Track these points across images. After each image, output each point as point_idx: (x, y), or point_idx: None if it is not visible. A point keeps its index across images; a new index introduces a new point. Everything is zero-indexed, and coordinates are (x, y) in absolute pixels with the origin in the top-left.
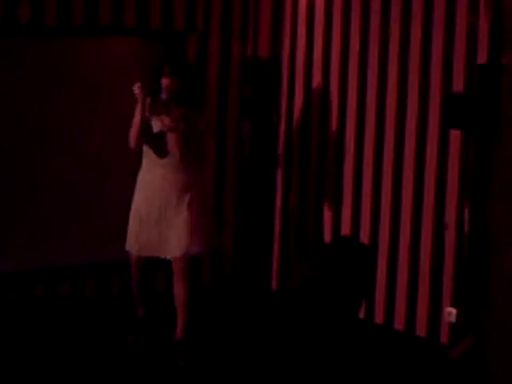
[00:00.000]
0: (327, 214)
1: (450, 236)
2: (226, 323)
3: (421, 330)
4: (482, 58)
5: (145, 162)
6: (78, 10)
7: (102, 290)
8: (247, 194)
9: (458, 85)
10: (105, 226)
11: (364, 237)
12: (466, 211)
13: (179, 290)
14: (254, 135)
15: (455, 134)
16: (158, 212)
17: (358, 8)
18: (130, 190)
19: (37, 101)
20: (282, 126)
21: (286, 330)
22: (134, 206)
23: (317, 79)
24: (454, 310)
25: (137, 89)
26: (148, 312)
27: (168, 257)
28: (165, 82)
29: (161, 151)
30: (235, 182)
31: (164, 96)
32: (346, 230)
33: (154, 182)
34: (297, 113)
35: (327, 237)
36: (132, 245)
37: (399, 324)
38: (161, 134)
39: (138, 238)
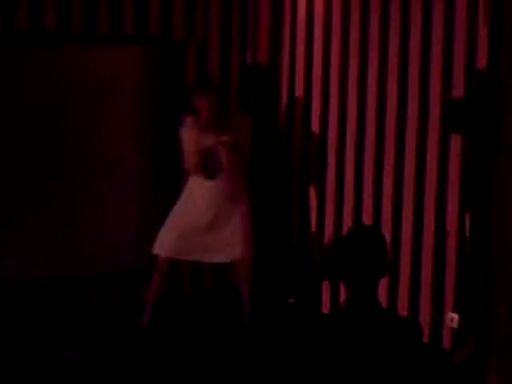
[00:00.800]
0: (329, 219)
1: (451, 241)
2: (229, 331)
3: (423, 336)
4: (481, 63)
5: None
6: (77, 17)
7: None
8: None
9: (458, 90)
10: (111, 238)
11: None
12: (468, 217)
13: (245, 286)
14: (254, 142)
15: (455, 140)
16: (209, 219)
17: (357, 15)
18: (135, 199)
19: (36, 108)
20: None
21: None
22: (179, 212)
23: (316, 86)
24: (456, 316)
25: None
26: (151, 321)
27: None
28: (204, 101)
29: (210, 167)
30: None
31: (206, 115)
32: (345, 233)
33: (204, 190)
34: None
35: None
36: (168, 249)
37: None
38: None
39: (178, 243)
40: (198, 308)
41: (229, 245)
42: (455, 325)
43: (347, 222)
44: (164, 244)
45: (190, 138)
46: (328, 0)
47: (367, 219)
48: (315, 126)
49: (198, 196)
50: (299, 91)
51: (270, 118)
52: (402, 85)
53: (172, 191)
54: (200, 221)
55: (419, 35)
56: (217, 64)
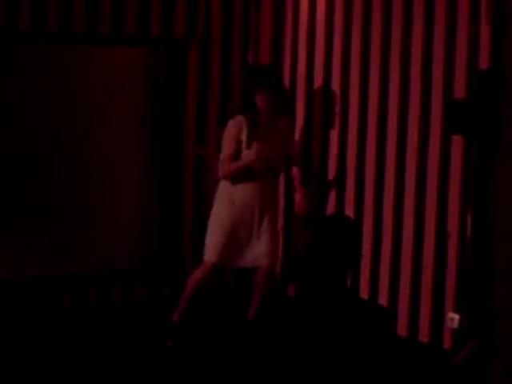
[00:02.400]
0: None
1: (452, 242)
2: (228, 330)
3: (423, 336)
4: (483, 63)
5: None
6: (79, 17)
7: (102, 299)
8: None
9: (460, 91)
10: (111, 236)
11: (366, 242)
12: (469, 217)
13: (262, 286)
14: None
15: (457, 140)
16: (249, 225)
17: (360, 15)
18: (135, 197)
19: (38, 108)
20: None
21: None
22: (222, 218)
23: (318, 86)
24: (456, 316)
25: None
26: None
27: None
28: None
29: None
30: None
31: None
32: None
33: (246, 196)
34: (299, 119)
35: None
36: (216, 255)
37: (402, 330)
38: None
39: (224, 249)
40: (198, 307)
41: (259, 251)
42: (456, 325)
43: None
44: (212, 249)
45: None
46: (330, 0)
47: (368, 218)
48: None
49: (242, 199)
50: (301, 90)
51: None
52: (404, 85)
53: (172, 190)
54: (246, 226)
55: (421, 35)
56: (218, 64)
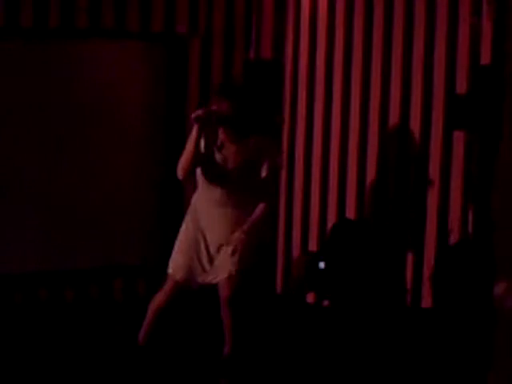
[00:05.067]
0: (331, 217)
1: (454, 238)
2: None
3: None
4: (485, 59)
5: (201, 188)
6: (82, 13)
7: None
8: None
9: (462, 86)
10: (113, 232)
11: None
12: (471, 213)
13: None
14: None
15: (459, 136)
16: (209, 244)
17: (361, 10)
18: (137, 194)
19: (39, 104)
20: (286, 128)
21: (291, 333)
22: (185, 232)
23: (320, 81)
24: None
25: (195, 115)
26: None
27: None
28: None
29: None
30: None
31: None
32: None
33: (209, 213)
34: (300, 114)
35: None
36: (178, 269)
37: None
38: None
39: (186, 262)
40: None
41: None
42: None
43: (350, 216)
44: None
45: (190, 138)
46: None
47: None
48: (318, 121)
49: (204, 215)
50: (302, 85)
51: (274, 113)
52: (406, 80)
53: (174, 186)
54: (203, 244)
55: (423, 30)
56: (220, 60)
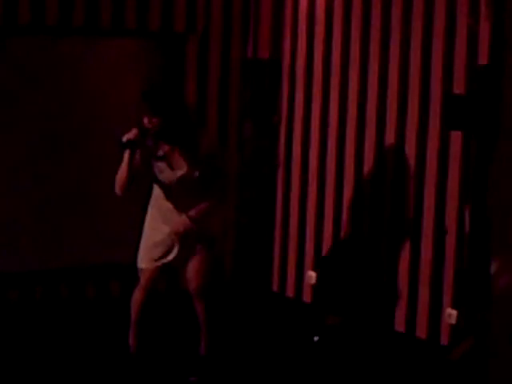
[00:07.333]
0: (328, 217)
1: (450, 238)
2: (226, 324)
3: (421, 332)
4: (482, 59)
5: (155, 194)
6: (79, 10)
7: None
8: (248, 195)
9: (459, 86)
10: (109, 229)
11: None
12: (467, 213)
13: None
14: (254, 136)
15: (456, 136)
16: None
17: (359, 10)
18: (135, 191)
19: (37, 101)
20: (283, 127)
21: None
22: (148, 227)
23: (317, 80)
24: (454, 312)
25: (126, 140)
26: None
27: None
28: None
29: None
30: (236, 183)
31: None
32: (345, 233)
33: (162, 214)
34: (297, 114)
35: (327, 240)
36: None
37: (400, 326)
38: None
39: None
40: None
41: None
42: (453, 321)
43: (345, 222)
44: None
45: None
46: None
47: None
48: (315, 121)
49: (159, 215)
50: (300, 84)
51: (271, 112)
52: (403, 80)
53: None
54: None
55: (420, 30)
56: (218, 57)
